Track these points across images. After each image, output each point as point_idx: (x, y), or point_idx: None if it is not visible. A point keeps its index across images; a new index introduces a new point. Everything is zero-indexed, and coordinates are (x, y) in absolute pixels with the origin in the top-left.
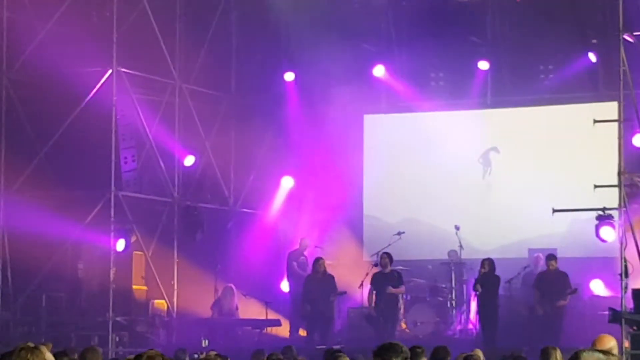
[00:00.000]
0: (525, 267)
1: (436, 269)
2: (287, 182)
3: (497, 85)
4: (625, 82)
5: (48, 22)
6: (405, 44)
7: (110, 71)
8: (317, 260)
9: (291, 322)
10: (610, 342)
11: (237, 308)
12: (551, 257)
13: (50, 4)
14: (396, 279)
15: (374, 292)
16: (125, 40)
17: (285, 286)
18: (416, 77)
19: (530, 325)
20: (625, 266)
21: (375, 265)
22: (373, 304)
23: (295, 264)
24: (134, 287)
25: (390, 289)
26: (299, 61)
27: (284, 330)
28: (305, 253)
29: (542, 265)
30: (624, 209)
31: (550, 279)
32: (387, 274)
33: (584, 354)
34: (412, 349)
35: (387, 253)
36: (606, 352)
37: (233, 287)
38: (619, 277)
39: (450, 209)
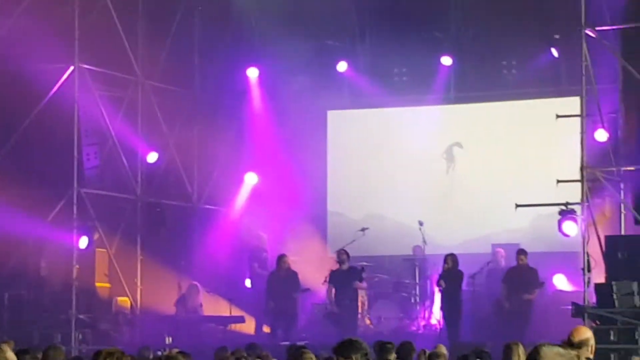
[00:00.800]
0: (489, 263)
1: (400, 265)
2: (250, 179)
3: (460, 81)
4: (588, 77)
5: (9, 19)
6: (368, 40)
7: (72, 68)
8: (281, 257)
9: (256, 319)
10: (587, 333)
11: (201, 306)
12: (521, 252)
13: (12, 0)
14: (355, 273)
15: (333, 289)
16: (88, 36)
17: (249, 283)
18: (380, 73)
19: (497, 320)
20: (588, 261)
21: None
22: (333, 301)
23: (256, 264)
24: (97, 284)
25: (357, 284)
26: (263, 57)
27: (248, 327)
28: (267, 247)
29: (503, 260)
30: (587, 203)
31: (520, 274)
32: (345, 271)
33: (544, 348)
34: (382, 345)
35: (344, 250)
36: (566, 346)
37: (198, 285)
38: (581, 271)
39: (414, 204)
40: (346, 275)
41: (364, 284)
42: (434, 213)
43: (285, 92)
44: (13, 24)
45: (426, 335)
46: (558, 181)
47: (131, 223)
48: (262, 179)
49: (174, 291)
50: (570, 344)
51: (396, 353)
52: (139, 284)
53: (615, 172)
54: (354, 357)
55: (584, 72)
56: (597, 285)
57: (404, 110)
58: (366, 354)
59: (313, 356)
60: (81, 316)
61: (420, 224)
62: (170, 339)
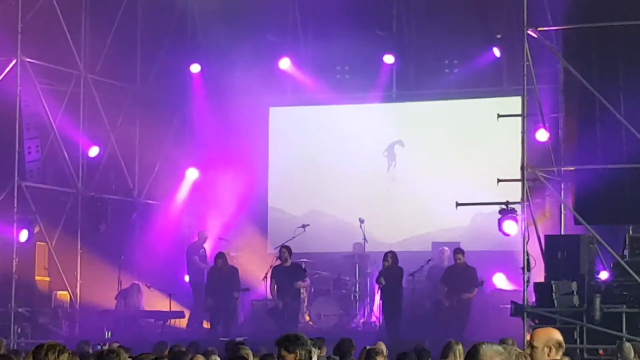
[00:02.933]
0: (429, 260)
1: (340, 262)
2: (192, 174)
3: (402, 79)
4: (529, 77)
5: None
6: (311, 37)
7: (14, 61)
8: (220, 253)
9: (191, 313)
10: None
11: (142, 305)
12: (458, 251)
13: None
14: (298, 272)
15: (275, 285)
16: (31, 29)
17: (187, 278)
18: (322, 70)
19: (436, 318)
20: (528, 260)
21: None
22: (276, 297)
23: (196, 257)
24: (37, 278)
25: (298, 284)
26: (205, 53)
27: (187, 322)
28: (205, 245)
29: (447, 259)
30: (527, 203)
31: (458, 273)
32: (287, 267)
33: (483, 346)
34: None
35: (286, 246)
36: (505, 344)
37: (140, 285)
38: (521, 270)
39: (355, 202)
40: (288, 272)
41: (306, 282)
42: (374, 210)
43: (228, 88)
44: None
45: (366, 332)
46: (499, 180)
47: (72, 217)
48: (203, 174)
49: (114, 286)
50: (530, 346)
51: (336, 350)
52: (78, 278)
53: (555, 172)
54: (298, 353)
55: (525, 72)
56: (536, 285)
57: (345, 107)
58: (310, 351)
59: (250, 352)
60: (20, 309)
61: (361, 221)
62: (110, 333)
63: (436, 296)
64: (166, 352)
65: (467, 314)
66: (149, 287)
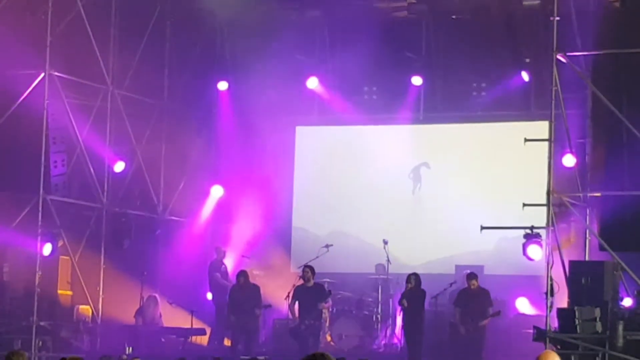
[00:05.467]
0: (452, 283)
1: (363, 283)
2: (216, 191)
3: (430, 101)
4: (557, 102)
5: None
6: (339, 57)
7: (42, 74)
8: (241, 271)
9: (212, 331)
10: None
11: (160, 316)
12: (472, 276)
13: None
14: (321, 292)
15: (297, 305)
16: (59, 43)
17: (210, 296)
18: (349, 90)
19: (453, 344)
20: (551, 285)
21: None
22: (297, 317)
23: (218, 274)
24: (59, 292)
25: (322, 305)
26: (233, 70)
27: (208, 339)
28: (226, 261)
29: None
30: (552, 228)
31: (471, 297)
32: (310, 288)
33: None
34: None
35: (309, 266)
36: None
37: (157, 296)
38: (544, 295)
39: (379, 223)
40: (311, 292)
41: (328, 304)
42: (398, 232)
43: (254, 106)
44: None
45: (387, 354)
46: (524, 205)
47: (96, 232)
48: (227, 192)
49: (136, 301)
50: None
51: None
52: (101, 292)
53: (581, 198)
54: None
55: (553, 97)
56: (559, 310)
57: (372, 128)
58: None
59: None
60: (42, 323)
61: (385, 242)
62: (131, 349)
63: (450, 321)
64: None
65: (482, 340)
66: (170, 304)
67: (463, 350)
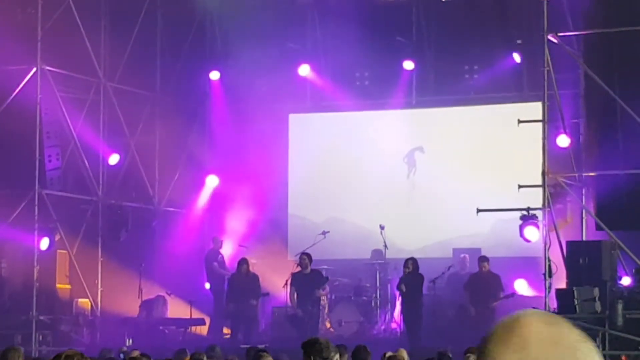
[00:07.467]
0: (449, 267)
1: (361, 269)
2: (212, 181)
3: (422, 85)
4: (550, 82)
5: None
6: (330, 43)
7: (34, 69)
8: (243, 259)
9: (211, 320)
10: None
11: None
12: (484, 259)
13: None
14: (318, 279)
15: (295, 292)
16: (50, 38)
17: (208, 285)
18: (341, 77)
19: (461, 326)
20: (549, 266)
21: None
22: (295, 304)
23: (215, 264)
24: (58, 285)
25: (319, 292)
26: (224, 60)
27: (208, 329)
28: (222, 251)
29: (468, 266)
30: (548, 209)
31: (483, 281)
32: (307, 275)
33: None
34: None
35: (306, 253)
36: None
37: (166, 297)
38: (542, 276)
39: (375, 208)
40: (308, 279)
41: (326, 291)
42: (395, 217)
43: (247, 95)
44: None
45: (387, 339)
46: (520, 186)
47: (92, 225)
48: (222, 181)
49: (135, 293)
50: None
51: (352, 357)
52: (99, 285)
53: (576, 178)
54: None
55: (546, 77)
56: (558, 291)
57: (365, 114)
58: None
59: (271, 359)
60: (42, 317)
61: (381, 227)
62: (131, 340)
63: (460, 303)
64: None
65: (492, 322)
66: (169, 295)
67: (472, 333)
